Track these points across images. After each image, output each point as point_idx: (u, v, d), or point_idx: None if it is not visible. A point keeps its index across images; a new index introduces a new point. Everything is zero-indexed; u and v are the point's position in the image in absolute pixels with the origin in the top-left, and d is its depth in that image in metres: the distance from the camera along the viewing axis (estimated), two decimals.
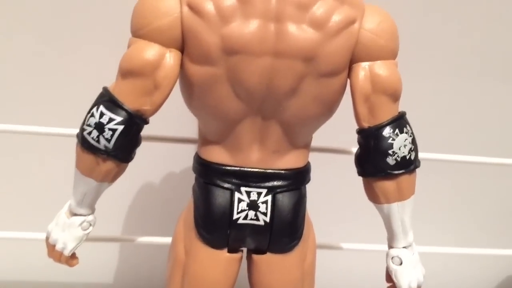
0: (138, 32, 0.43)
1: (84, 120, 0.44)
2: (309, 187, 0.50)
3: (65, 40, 0.71)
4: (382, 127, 0.45)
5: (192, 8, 0.42)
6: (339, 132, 0.60)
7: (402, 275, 0.49)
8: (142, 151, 0.48)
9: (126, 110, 0.43)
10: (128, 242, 0.79)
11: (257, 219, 0.47)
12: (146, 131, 0.46)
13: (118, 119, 0.43)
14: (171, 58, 0.43)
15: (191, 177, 0.51)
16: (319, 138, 0.53)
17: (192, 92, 0.45)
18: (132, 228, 0.81)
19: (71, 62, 0.72)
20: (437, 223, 0.87)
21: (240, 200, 0.47)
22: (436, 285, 0.75)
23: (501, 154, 0.72)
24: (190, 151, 0.58)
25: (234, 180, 0.47)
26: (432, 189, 0.81)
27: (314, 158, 0.52)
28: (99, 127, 0.43)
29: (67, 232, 0.48)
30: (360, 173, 0.49)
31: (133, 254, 0.83)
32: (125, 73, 0.43)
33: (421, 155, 0.49)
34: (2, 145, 0.74)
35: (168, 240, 0.56)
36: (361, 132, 0.47)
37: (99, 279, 0.83)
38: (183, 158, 0.71)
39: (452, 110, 0.82)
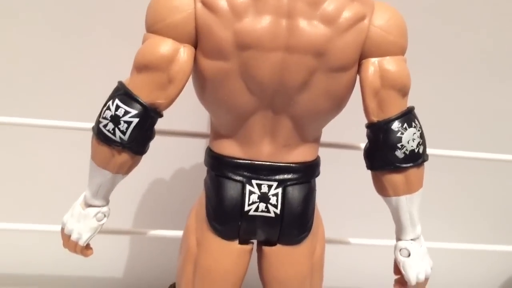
0: (153, 28, 0.44)
1: (100, 113, 0.46)
2: (318, 182, 0.51)
3: (81, 35, 0.72)
4: (391, 121, 0.46)
5: (205, 4, 0.43)
6: (348, 127, 0.61)
7: (410, 267, 0.49)
8: (155, 144, 0.49)
9: (141, 103, 0.44)
10: (139, 236, 0.80)
11: (268, 211, 0.48)
12: (159, 125, 0.47)
13: (133, 112, 0.44)
14: (184, 53, 0.44)
15: (203, 171, 0.52)
16: (328, 133, 0.54)
17: (205, 86, 0.46)
18: (143, 221, 0.81)
19: (85, 57, 0.72)
20: (444, 220, 0.86)
21: (251, 193, 0.48)
22: (441, 281, 0.75)
23: (508, 150, 0.72)
24: (202, 145, 0.59)
25: (245, 173, 0.48)
26: (438, 185, 0.81)
27: (323, 153, 0.52)
28: (115, 119, 0.44)
29: (82, 223, 0.49)
30: (369, 166, 0.49)
31: (144, 248, 0.84)
32: (140, 67, 0.44)
33: (427, 150, 0.49)
34: (18, 138, 0.74)
35: (179, 233, 0.57)
36: (370, 126, 0.47)
37: (110, 273, 0.84)
38: (195, 152, 0.72)
39: (460, 106, 0.82)
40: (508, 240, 0.81)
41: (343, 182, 0.79)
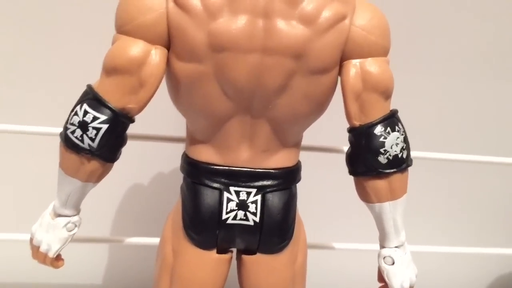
0: (123, 28, 0.42)
1: (68, 119, 0.43)
2: (300, 187, 0.50)
3: (50, 37, 0.70)
4: (373, 125, 0.44)
5: (178, 3, 0.41)
6: (330, 130, 0.59)
7: (394, 275, 0.48)
8: (129, 150, 0.47)
9: (110, 109, 0.42)
10: (117, 243, 0.78)
11: (247, 219, 0.46)
12: (133, 129, 0.46)
13: (103, 117, 0.42)
14: (156, 55, 0.42)
15: (179, 177, 0.50)
16: (309, 136, 0.52)
17: (179, 90, 0.44)
18: (120, 228, 0.80)
19: (55, 60, 0.71)
20: (430, 223, 0.86)
21: (229, 200, 0.46)
22: (428, 284, 0.75)
23: (494, 152, 0.72)
24: (178, 150, 0.57)
25: (223, 180, 0.46)
26: (424, 188, 0.81)
27: (304, 157, 0.51)
28: (83, 126, 0.42)
29: (51, 234, 0.47)
30: (351, 172, 0.48)
31: (122, 255, 0.82)
32: (109, 70, 0.42)
33: (413, 153, 0.48)
34: None
35: (156, 240, 0.55)
36: (352, 130, 0.46)
37: (88, 281, 0.83)
38: (171, 158, 0.70)
39: (448, 109, 0.82)
40: (494, 242, 0.81)
41: (325, 185, 0.78)
